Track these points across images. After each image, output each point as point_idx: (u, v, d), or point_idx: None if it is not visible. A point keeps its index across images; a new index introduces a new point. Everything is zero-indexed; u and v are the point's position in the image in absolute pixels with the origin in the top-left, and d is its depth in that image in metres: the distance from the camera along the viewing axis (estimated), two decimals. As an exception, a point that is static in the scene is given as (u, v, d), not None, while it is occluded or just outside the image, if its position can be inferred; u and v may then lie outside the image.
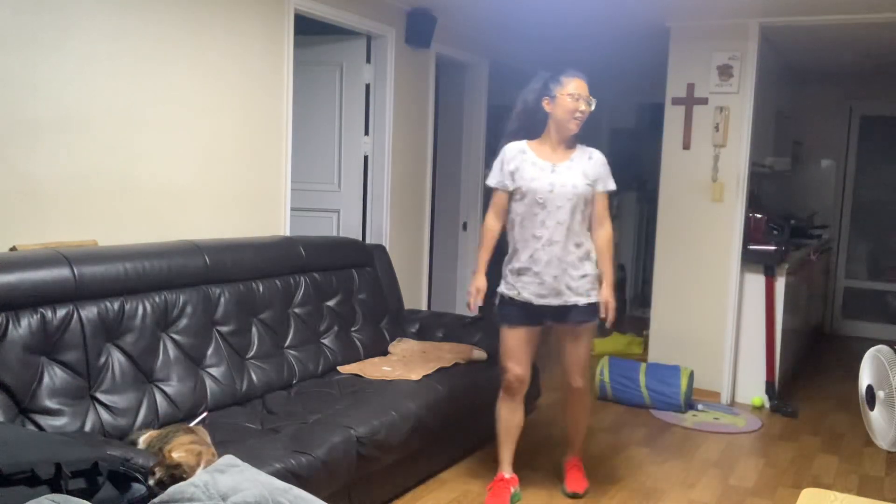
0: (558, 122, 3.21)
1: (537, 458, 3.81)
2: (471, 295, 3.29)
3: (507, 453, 3.41)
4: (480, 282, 3.29)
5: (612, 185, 3.31)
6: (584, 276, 3.23)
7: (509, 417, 3.39)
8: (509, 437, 3.40)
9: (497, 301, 3.35)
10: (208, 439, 2.46)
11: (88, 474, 1.93)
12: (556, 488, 3.48)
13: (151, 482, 2.13)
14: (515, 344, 3.30)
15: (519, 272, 3.25)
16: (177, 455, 2.20)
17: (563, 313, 3.25)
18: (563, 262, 3.19)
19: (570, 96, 3.17)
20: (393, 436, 3.02)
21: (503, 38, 5.77)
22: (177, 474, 2.17)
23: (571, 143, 3.28)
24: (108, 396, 2.69)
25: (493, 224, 3.32)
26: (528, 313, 3.26)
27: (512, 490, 3.35)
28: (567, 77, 3.21)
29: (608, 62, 6.55)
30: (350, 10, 4.31)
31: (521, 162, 3.23)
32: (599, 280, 3.30)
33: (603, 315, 3.26)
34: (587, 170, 3.23)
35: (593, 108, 3.22)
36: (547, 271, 3.19)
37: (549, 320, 3.29)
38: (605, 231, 3.32)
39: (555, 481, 3.54)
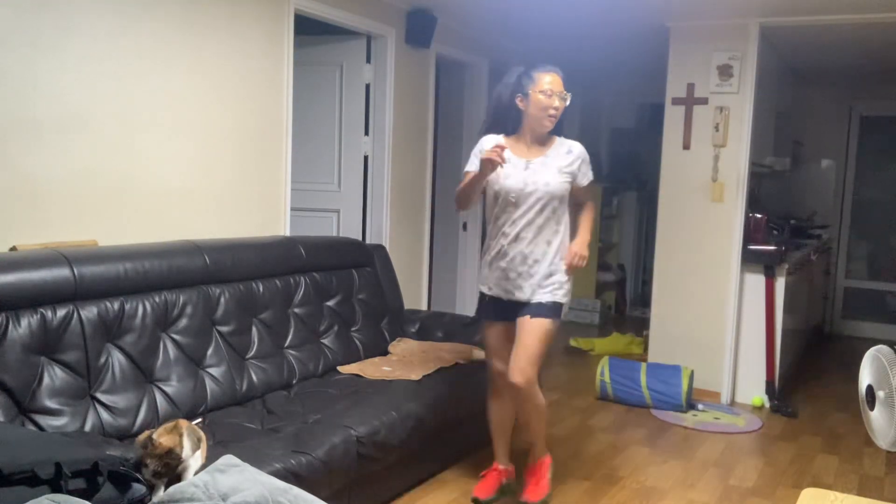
0: (532, 119, 3.09)
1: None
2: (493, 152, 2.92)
3: (500, 446, 3.42)
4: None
5: (590, 177, 3.19)
6: (549, 276, 3.13)
7: (498, 412, 3.38)
8: (500, 430, 3.41)
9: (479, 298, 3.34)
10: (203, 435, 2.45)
11: (88, 474, 1.92)
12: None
13: (147, 475, 2.12)
14: (494, 340, 3.28)
15: (490, 267, 3.21)
16: (164, 441, 2.17)
17: (522, 308, 3.15)
18: (530, 259, 3.11)
19: (543, 93, 3.04)
20: (393, 436, 3.02)
21: (503, 38, 5.77)
22: (172, 462, 2.16)
23: (548, 137, 3.14)
24: (108, 396, 2.69)
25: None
26: (502, 309, 3.20)
27: (504, 481, 3.38)
28: (540, 73, 3.06)
29: (608, 62, 6.55)
30: (350, 10, 4.31)
31: None
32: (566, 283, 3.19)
33: (567, 262, 3.12)
34: (563, 165, 3.12)
35: (568, 103, 3.09)
36: (512, 267, 3.13)
37: (517, 315, 3.18)
38: (586, 208, 3.25)
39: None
